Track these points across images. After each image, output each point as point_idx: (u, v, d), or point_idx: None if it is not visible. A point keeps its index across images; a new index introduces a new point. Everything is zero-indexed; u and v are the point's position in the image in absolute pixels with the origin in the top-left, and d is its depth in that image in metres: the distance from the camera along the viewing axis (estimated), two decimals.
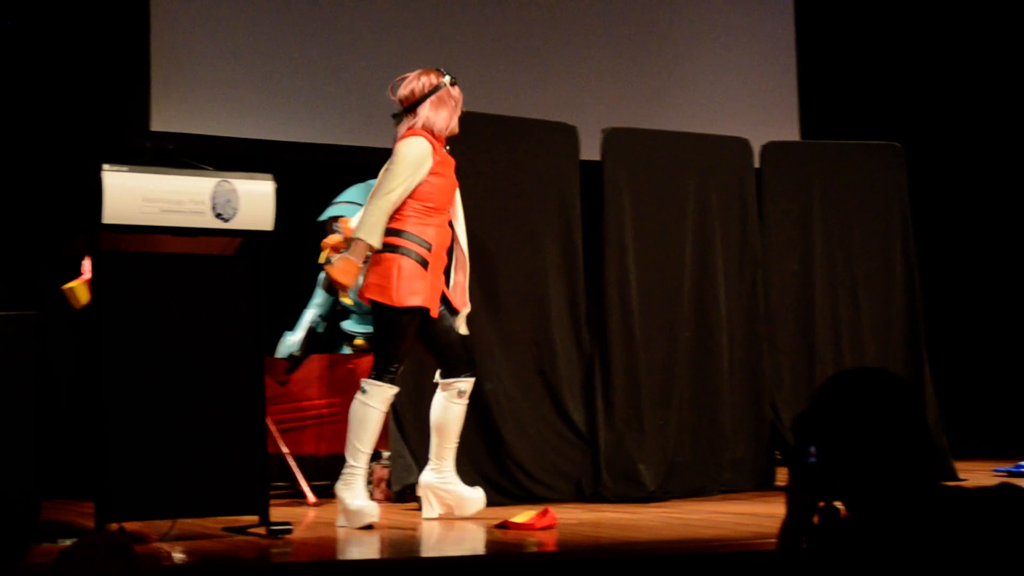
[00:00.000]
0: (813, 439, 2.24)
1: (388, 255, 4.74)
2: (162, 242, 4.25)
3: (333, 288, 5.86)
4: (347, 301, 6.14)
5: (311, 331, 6.33)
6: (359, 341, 6.31)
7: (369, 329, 6.13)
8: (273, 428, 5.69)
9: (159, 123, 6.61)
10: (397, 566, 3.79)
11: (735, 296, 6.08)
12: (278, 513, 4.40)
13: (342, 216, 5.80)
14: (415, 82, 4.89)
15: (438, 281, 4.84)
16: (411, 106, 4.88)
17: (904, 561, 2.09)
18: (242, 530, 4.31)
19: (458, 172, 4.96)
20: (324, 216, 6.25)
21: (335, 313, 6.46)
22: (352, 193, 6.33)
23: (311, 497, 5.60)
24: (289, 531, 4.22)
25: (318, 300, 6.41)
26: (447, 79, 4.89)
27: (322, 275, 6.18)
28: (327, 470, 5.84)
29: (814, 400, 2.27)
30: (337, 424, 5.84)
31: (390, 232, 4.76)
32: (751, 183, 6.21)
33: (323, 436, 5.99)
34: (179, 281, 4.19)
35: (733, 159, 6.19)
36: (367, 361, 5.69)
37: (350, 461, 4.73)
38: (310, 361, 6.21)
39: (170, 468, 4.07)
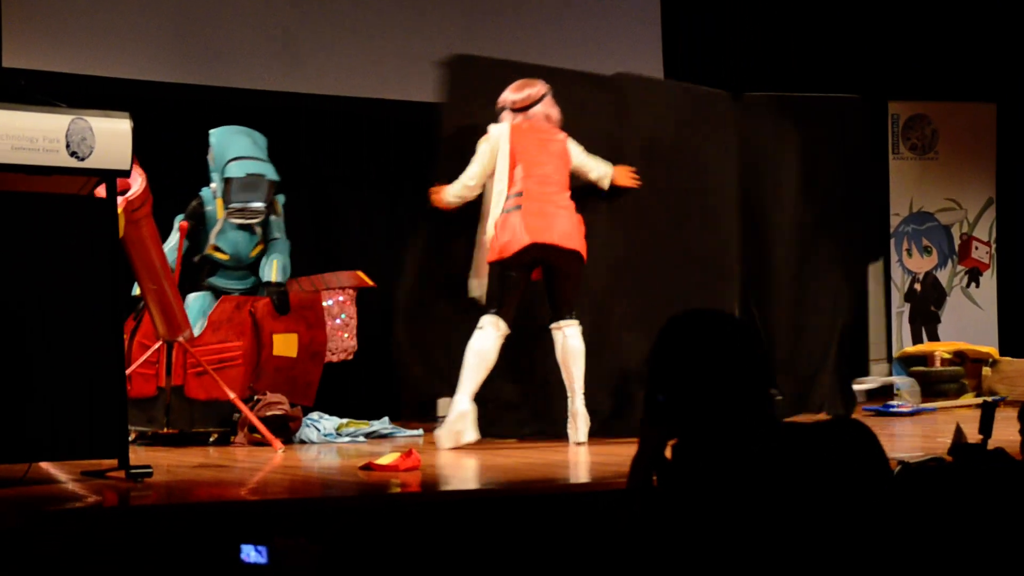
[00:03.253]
0: (659, 379, 2.30)
1: None
2: (15, 181, 4.13)
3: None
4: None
5: None
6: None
7: (240, 285, 6.11)
8: (213, 372, 5.71)
9: (10, 59, 6.42)
10: (253, 507, 3.78)
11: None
12: (142, 457, 4.36)
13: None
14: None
15: None
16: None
17: (744, 494, 2.17)
18: (101, 474, 4.26)
19: None
20: (238, 173, 6.14)
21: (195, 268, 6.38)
22: (243, 146, 6.23)
23: (277, 445, 5.51)
24: (149, 474, 4.18)
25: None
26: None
27: None
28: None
29: (657, 341, 2.33)
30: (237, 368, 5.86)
31: None
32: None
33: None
34: (32, 221, 4.09)
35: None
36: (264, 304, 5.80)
37: None
38: (223, 302, 6.18)
39: (25, 412, 3.99)
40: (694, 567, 2.19)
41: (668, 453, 2.34)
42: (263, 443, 5.59)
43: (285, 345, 6.06)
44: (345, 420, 6.19)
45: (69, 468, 4.42)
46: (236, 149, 6.24)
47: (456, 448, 5.41)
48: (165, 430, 5.90)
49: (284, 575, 2.63)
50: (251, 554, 2.65)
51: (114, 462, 4.20)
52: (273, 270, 6.26)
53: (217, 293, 6.32)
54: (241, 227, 6.28)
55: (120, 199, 4.89)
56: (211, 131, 6.30)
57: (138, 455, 4.92)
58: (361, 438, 6.02)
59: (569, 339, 5.60)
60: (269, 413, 5.75)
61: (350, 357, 6.51)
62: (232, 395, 5.64)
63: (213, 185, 6.28)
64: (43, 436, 4.03)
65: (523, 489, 4.02)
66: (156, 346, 5.78)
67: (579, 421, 5.53)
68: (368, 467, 4.57)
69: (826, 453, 2.17)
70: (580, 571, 3.34)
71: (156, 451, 5.46)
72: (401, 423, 6.43)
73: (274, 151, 6.38)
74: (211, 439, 5.89)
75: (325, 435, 5.91)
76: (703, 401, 2.24)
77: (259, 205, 6.12)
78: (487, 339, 5.49)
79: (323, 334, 6.24)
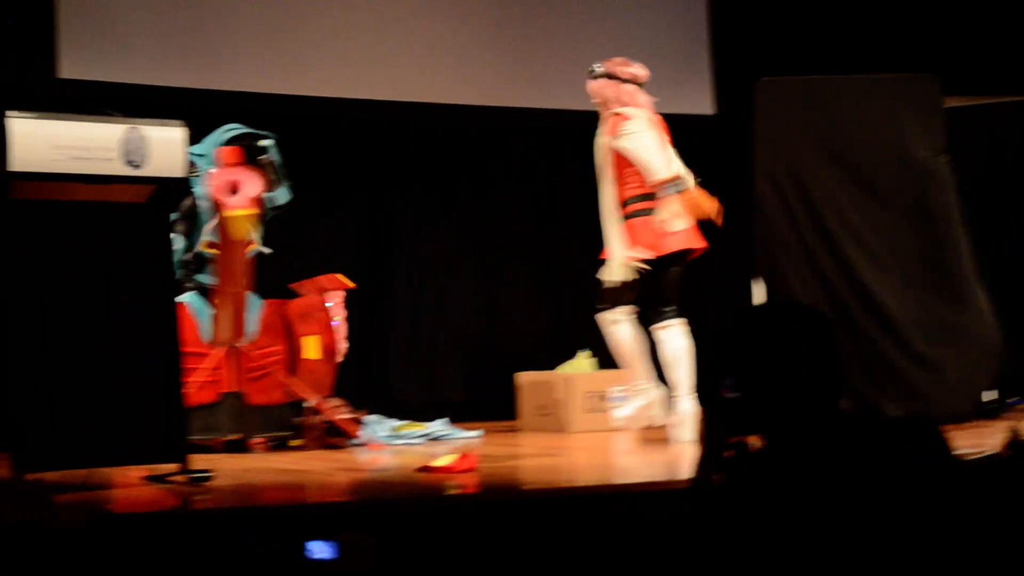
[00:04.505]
0: (727, 372, 2.26)
1: None
2: (73, 190, 4.18)
3: None
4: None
5: None
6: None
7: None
8: (287, 378, 5.73)
9: (68, 70, 6.48)
10: (315, 511, 3.79)
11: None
12: (202, 461, 4.39)
13: None
14: None
15: None
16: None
17: (815, 492, 2.13)
18: (162, 478, 4.29)
19: None
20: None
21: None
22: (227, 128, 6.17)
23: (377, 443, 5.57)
24: (209, 478, 4.20)
25: None
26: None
27: None
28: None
29: (728, 333, 2.29)
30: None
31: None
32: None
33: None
34: (90, 229, 4.13)
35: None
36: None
37: None
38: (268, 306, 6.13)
39: (86, 418, 4.02)
40: (758, 568, 2.16)
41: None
42: (333, 446, 5.62)
43: (311, 347, 6.08)
44: (403, 422, 6.19)
45: (131, 473, 4.44)
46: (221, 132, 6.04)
47: (637, 429, 5.73)
48: (231, 436, 5.86)
49: (348, 569, 2.64)
50: (317, 550, 2.66)
51: (175, 466, 4.23)
52: None
53: (205, 292, 6.08)
54: None
55: (243, 198, 4.98)
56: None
57: (199, 461, 4.93)
58: (418, 440, 6.03)
59: (677, 343, 5.60)
60: (337, 417, 5.77)
61: (341, 359, 6.48)
62: (315, 399, 5.66)
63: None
64: (105, 441, 4.06)
65: (576, 490, 4.01)
66: (215, 352, 5.79)
67: (687, 420, 5.46)
68: (425, 469, 4.57)
69: (891, 452, 2.14)
70: (641, 572, 3.31)
71: (218, 458, 5.48)
72: (459, 424, 6.43)
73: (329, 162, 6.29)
74: (271, 444, 5.91)
75: (383, 437, 5.92)
76: (776, 397, 2.20)
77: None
78: (629, 328, 5.71)
79: (332, 335, 6.22)
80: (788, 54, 7.74)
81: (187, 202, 6.03)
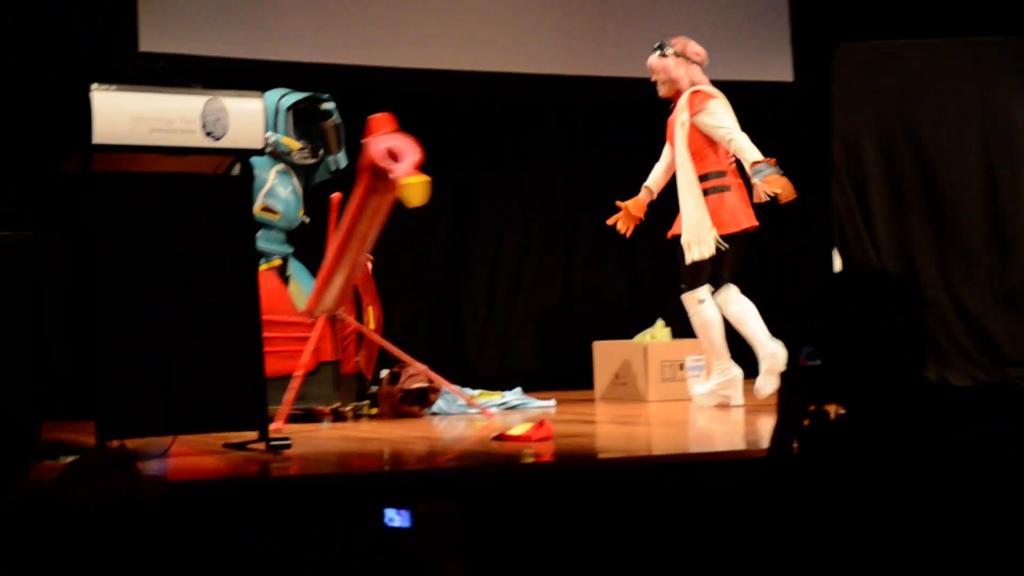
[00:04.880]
0: (809, 339, 2.23)
1: None
2: (154, 161, 4.23)
3: None
4: None
5: None
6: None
7: (285, 249, 5.99)
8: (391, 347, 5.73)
9: (147, 43, 6.54)
10: (390, 477, 3.82)
11: None
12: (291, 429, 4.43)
13: None
14: None
15: None
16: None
17: (896, 463, 2.10)
18: (242, 446, 4.34)
19: None
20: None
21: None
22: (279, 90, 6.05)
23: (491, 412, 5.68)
24: (288, 446, 4.24)
25: None
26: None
27: None
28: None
29: (810, 300, 2.25)
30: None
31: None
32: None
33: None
34: (172, 200, 4.17)
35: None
36: None
37: None
38: None
39: (168, 386, 4.07)
40: (836, 539, 2.14)
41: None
42: (408, 414, 5.67)
43: (372, 318, 6.08)
44: (478, 392, 6.22)
45: (212, 440, 4.50)
46: (276, 91, 5.97)
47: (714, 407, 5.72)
48: (335, 406, 5.80)
49: (427, 537, 2.65)
50: (394, 518, 2.67)
51: (255, 434, 4.27)
52: None
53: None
54: (292, 186, 5.96)
55: (409, 165, 4.94)
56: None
57: (283, 430, 4.97)
58: (494, 409, 6.05)
59: (740, 300, 5.73)
60: (414, 385, 5.79)
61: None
62: (422, 366, 5.74)
63: (269, 137, 5.76)
64: (186, 409, 4.12)
65: (652, 459, 4.00)
66: (319, 320, 5.66)
67: (778, 358, 5.53)
68: (501, 438, 4.58)
69: (975, 419, 2.10)
70: (717, 541, 3.30)
71: (302, 426, 5.50)
72: (534, 394, 6.44)
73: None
74: (349, 414, 5.91)
75: (459, 406, 5.95)
76: (857, 365, 2.16)
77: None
78: (713, 307, 5.74)
79: (380, 307, 6.15)
80: (868, 19, 7.60)
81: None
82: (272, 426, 4.63)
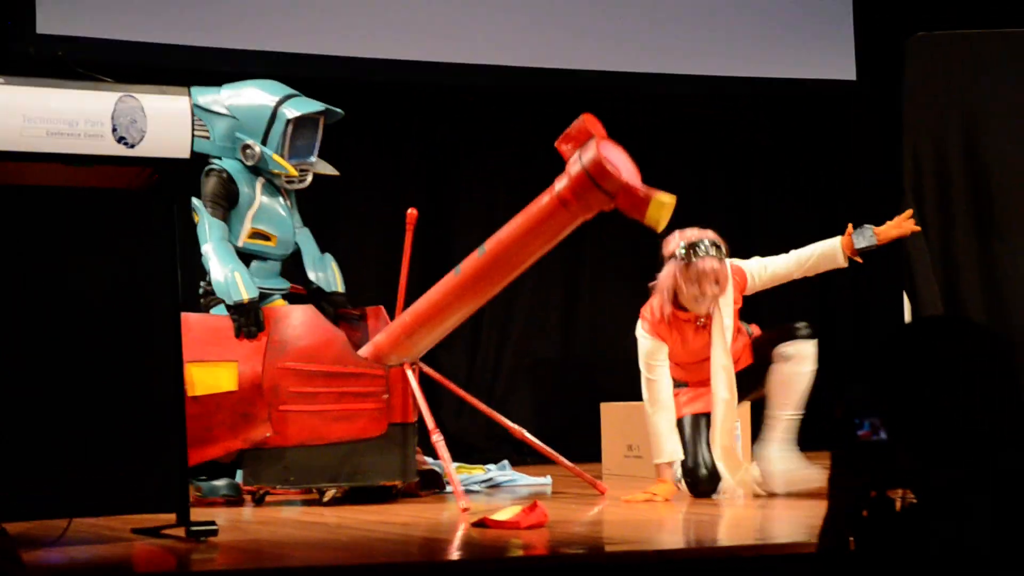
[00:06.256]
0: (871, 409, 2.21)
1: None
2: (51, 173, 4.22)
3: None
4: None
5: None
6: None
7: (281, 285, 5.91)
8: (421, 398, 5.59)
9: (46, 24, 6.55)
10: (346, 573, 3.79)
11: None
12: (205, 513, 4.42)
13: None
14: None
15: None
16: None
17: (978, 565, 2.09)
18: (155, 531, 4.31)
19: None
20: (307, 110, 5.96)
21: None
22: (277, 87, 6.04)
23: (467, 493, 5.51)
24: (214, 533, 4.22)
25: None
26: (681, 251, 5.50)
27: None
28: None
29: (874, 359, 2.23)
30: None
31: None
32: None
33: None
34: (73, 222, 4.17)
35: None
36: None
37: None
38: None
39: (65, 459, 4.06)
40: None
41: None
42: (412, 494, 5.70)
43: None
44: (455, 465, 6.18)
45: (117, 524, 4.47)
46: (274, 89, 5.95)
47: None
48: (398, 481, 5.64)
49: None
50: None
51: (171, 517, 4.23)
52: (337, 277, 6.00)
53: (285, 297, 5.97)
54: (281, 202, 5.94)
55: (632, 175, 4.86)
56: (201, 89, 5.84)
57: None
58: (475, 487, 6.02)
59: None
60: (423, 467, 5.80)
61: None
62: (517, 427, 5.92)
63: (255, 147, 5.76)
64: (86, 487, 4.09)
65: (671, 553, 3.99)
66: (392, 371, 5.56)
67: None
68: (483, 523, 4.55)
69: None
70: None
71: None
72: (524, 468, 6.42)
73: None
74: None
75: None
76: (934, 439, 2.14)
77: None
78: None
79: None
80: (936, 13, 7.73)
81: (221, 178, 5.80)
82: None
